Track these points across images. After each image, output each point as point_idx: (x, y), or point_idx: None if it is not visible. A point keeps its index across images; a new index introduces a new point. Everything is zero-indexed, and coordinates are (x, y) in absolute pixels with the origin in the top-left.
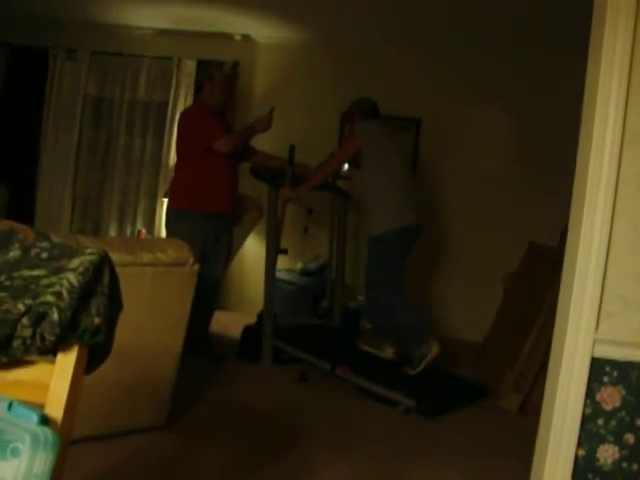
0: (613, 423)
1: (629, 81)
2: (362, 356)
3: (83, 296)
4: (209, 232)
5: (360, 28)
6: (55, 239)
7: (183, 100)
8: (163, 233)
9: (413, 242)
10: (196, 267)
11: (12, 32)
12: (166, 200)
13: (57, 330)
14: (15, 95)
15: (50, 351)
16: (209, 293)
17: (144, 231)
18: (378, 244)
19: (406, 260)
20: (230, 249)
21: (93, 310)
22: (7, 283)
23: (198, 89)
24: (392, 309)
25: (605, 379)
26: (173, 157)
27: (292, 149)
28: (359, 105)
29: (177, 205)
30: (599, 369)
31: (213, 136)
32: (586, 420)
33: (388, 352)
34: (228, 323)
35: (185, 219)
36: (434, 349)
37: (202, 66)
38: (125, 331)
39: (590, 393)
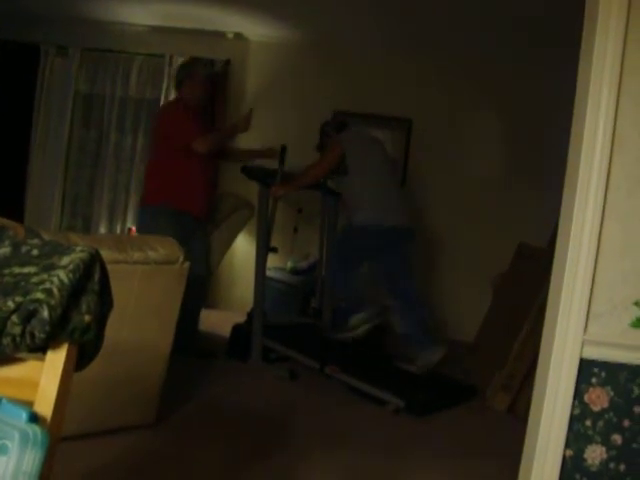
0: (601, 424)
1: (620, 84)
2: (352, 355)
3: (73, 294)
4: (183, 230)
5: (352, 27)
6: (45, 236)
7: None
8: None
9: (396, 244)
10: (186, 265)
11: (2, 28)
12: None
13: (47, 328)
14: (5, 91)
15: (40, 349)
16: (194, 291)
17: (134, 229)
18: (353, 233)
19: (387, 259)
20: (209, 248)
21: (83, 308)
22: None
23: (178, 85)
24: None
25: (593, 380)
26: None
27: (284, 149)
28: (329, 124)
29: (152, 202)
30: (587, 370)
31: (192, 135)
32: (574, 421)
33: (359, 331)
34: (218, 321)
35: (160, 215)
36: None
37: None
38: (115, 329)
39: (578, 394)
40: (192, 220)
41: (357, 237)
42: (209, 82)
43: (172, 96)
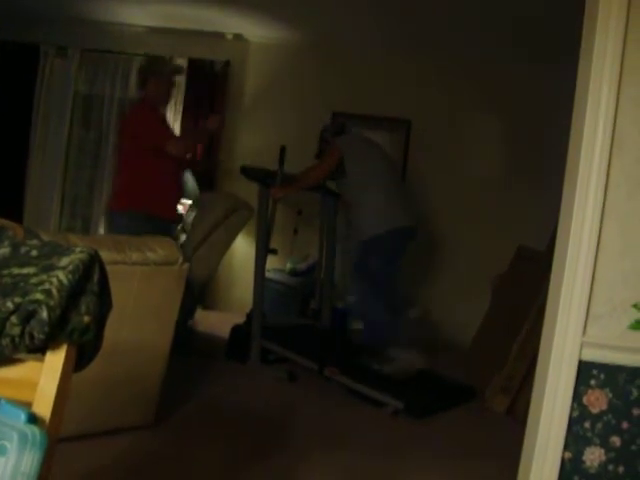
0: (599, 426)
1: (619, 85)
2: (350, 357)
3: (73, 294)
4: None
5: (351, 28)
6: (45, 237)
7: (174, 99)
8: None
9: (403, 245)
10: (185, 267)
11: (2, 28)
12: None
13: (46, 328)
14: (4, 92)
15: (39, 349)
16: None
17: None
18: (367, 248)
19: (397, 262)
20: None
21: (83, 309)
22: None
23: (142, 83)
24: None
25: (592, 382)
26: None
27: (283, 150)
28: (328, 130)
29: (128, 207)
30: (586, 372)
31: (165, 137)
32: (573, 423)
33: (401, 373)
34: (217, 322)
35: (135, 221)
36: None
37: (192, 63)
38: (114, 329)
39: (577, 396)
40: (164, 223)
41: (368, 251)
42: (174, 79)
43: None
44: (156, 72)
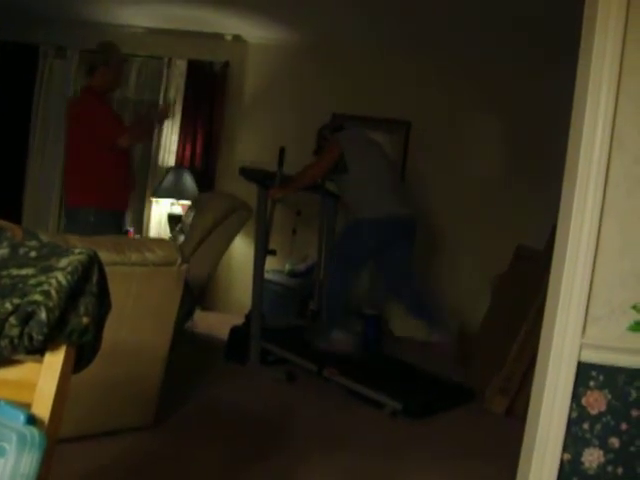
0: (598, 427)
1: (619, 83)
2: (350, 357)
3: (72, 296)
4: (120, 229)
5: (351, 29)
6: (44, 238)
7: (173, 100)
8: (151, 233)
9: (397, 235)
10: (184, 267)
11: (1, 28)
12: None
13: (45, 330)
14: (3, 92)
15: (38, 350)
16: None
17: (132, 231)
18: (354, 228)
19: (387, 252)
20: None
21: (82, 310)
22: None
23: (90, 70)
24: (337, 292)
25: (591, 383)
26: (162, 157)
27: (282, 151)
28: (327, 127)
29: (95, 204)
30: (585, 373)
31: (116, 130)
32: (572, 424)
33: (343, 349)
34: (216, 324)
35: (104, 217)
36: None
37: (193, 63)
38: (113, 330)
39: (576, 397)
40: (122, 215)
41: (358, 233)
42: (122, 68)
43: (170, 97)
44: (104, 61)
